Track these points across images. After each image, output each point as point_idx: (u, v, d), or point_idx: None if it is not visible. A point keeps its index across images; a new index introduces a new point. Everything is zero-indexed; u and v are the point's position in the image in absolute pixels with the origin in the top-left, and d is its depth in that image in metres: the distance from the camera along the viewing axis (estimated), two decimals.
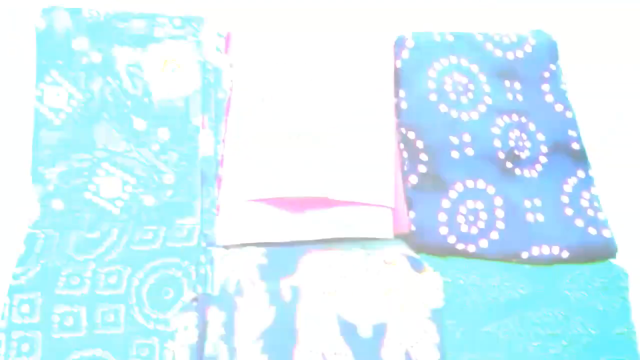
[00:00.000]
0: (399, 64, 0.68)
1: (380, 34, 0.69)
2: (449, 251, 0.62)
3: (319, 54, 0.67)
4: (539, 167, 0.66)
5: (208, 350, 0.53)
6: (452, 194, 0.62)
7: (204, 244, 0.60)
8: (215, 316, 0.54)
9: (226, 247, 0.60)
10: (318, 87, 0.65)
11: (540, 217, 0.64)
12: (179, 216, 0.62)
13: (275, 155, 0.62)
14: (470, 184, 0.63)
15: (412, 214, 0.62)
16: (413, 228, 0.62)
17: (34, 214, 0.60)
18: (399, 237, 0.65)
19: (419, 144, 0.64)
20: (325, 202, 0.60)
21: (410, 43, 0.69)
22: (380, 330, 0.55)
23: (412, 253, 0.62)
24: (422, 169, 0.63)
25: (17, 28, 0.71)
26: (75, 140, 0.62)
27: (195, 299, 0.56)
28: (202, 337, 0.54)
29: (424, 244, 0.62)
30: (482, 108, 0.66)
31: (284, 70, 0.66)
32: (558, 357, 0.58)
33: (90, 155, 0.62)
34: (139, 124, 0.63)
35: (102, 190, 0.62)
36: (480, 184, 0.63)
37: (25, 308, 0.54)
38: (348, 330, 0.55)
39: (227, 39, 0.69)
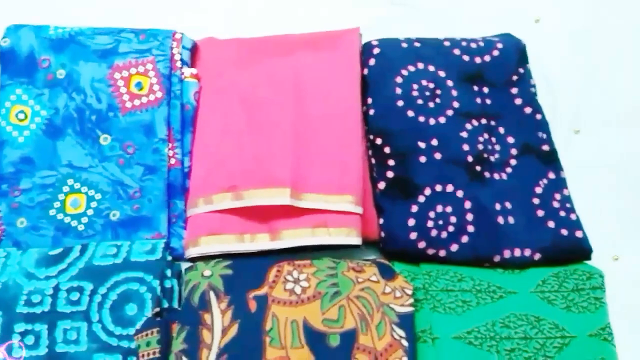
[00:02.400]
0: (366, 71, 0.68)
1: (347, 37, 0.69)
2: (419, 256, 0.61)
3: (287, 55, 0.67)
4: (508, 170, 0.66)
5: None
6: (421, 199, 0.62)
7: (170, 258, 0.60)
8: (179, 331, 0.53)
9: (192, 260, 0.60)
10: (288, 88, 0.64)
11: (511, 220, 0.63)
12: (145, 230, 0.61)
13: (243, 151, 0.61)
14: (438, 188, 0.62)
15: (381, 220, 0.62)
16: (382, 234, 0.61)
17: None
18: (370, 245, 0.65)
19: (387, 150, 0.63)
20: (291, 211, 0.60)
21: (376, 50, 0.69)
22: (349, 338, 0.54)
23: (382, 260, 0.62)
24: (390, 174, 0.62)
25: None
26: (39, 157, 0.62)
27: (158, 314, 0.55)
28: (165, 352, 0.53)
29: (394, 250, 0.62)
30: (450, 112, 0.66)
31: (252, 72, 0.66)
32: None
33: (54, 172, 0.62)
34: (104, 139, 0.63)
35: (67, 206, 0.61)
36: (449, 188, 0.62)
37: None
38: (316, 340, 0.54)
39: (193, 50, 0.69)
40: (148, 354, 0.52)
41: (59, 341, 0.54)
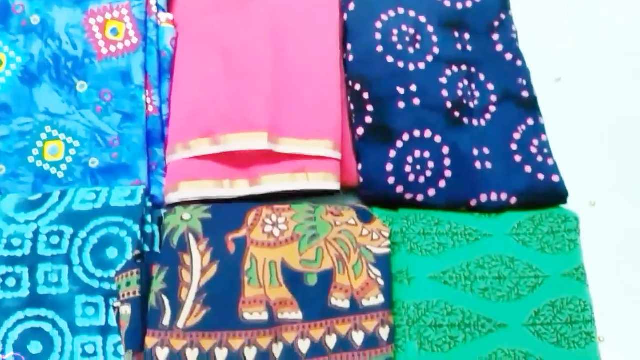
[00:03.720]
0: (345, 17, 0.67)
1: None
2: (397, 201, 0.62)
3: (265, 0, 0.65)
4: (488, 117, 0.66)
5: (151, 303, 0.53)
6: (399, 144, 0.62)
7: (150, 204, 0.60)
8: (158, 271, 0.54)
9: (172, 206, 0.60)
10: (266, 33, 0.63)
11: (489, 165, 0.63)
12: (125, 178, 0.61)
13: (220, 97, 0.61)
14: (417, 133, 0.62)
15: (359, 166, 0.62)
16: (361, 179, 0.62)
17: None
18: (350, 192, 0.65)
19: (365, 95, 0.63)
20: (270, 157, 0.60)
21: None
22: (326, 278, 0.55)
23: (360, 205, 0.62)
24: (368, 119, 0.62)
25: None
26: (16, 104, 0.61)
27: (139, 256, 0.55)
28: (145, 292, 0.54)
29: (373, 195, 0.62)
30: (430, 58, 0.66)
31: (229, 18, 0.65)
32: (504, 299, 0.59)
33: (32, 119, 0.61)
34: (81, 85, 0.62)
35: (46, 153, 0.61)
36: (427, 134, 0.63)
37: None
38: (294, 280, 0.55)
39: None
40: (128, 294, 0.53)
41: (40, 283, 0.55)
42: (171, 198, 0.60)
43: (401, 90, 0.63)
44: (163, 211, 0.61)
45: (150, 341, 0.52)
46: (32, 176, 0.60)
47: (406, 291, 0.59)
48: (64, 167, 0.61)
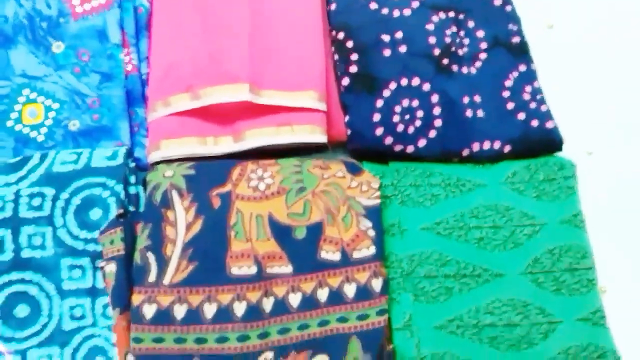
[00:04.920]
0: None
1: None
2: (387, 154, 0.60)
3: None
4: (478, 64, 0.64)
5: (136, 261, 0.52)
6: (386, 93, 0.60)
7: (133, 165, 0.59)
8: (142, 228, 0.53)
9: (154, 164, 0.59)
10: None
11: (480, 113, 0.62)
12: (107, 140, 0.60)
13: (199, 51, 0.60)
14: (404, 82, 0.61)
15: (346, 118, 0.60)
16: (348, 132, 0.60)
17: None
18: (338, 148, 0.63)
19: (349, 44, 0.61)
20: (254, 112, 0.58)
21: None
22: (315, 231, 0.54)
23: (349, 159, 0.61)
24: (353, 69, 0.61)
25: None
26: None
27: (122, 215, 0.54)
28: (130, 250, 0.52)
29: (361, 148, 0.60)
30: (416, 4, 0.64)
31: None
32: (500, 248, 0.57)
33: (9, 82, 0.60)
34: (57, 46, 0.61)
35: (25, 117, 0.60)
36: (415, 82, 0.61)
37: None
38: (282, 233, 0.54)
39: None
40: (112, 252, 0.52)
41: (23, 246, 0.53)
42: (154, 157, 0.58)
43: (386, 38, 0.61)
44: (146, 172, 0.59)
45: (136, 298, 0.51)
46: (12, 141, 0.59)
47: (399, 244, 0.57)
48: (44, 130, 0.60)
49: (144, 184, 0.58)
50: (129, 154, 0.59)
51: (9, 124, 0.59)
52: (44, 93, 0.60)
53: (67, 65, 0.60)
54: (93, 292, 0.54)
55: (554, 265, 0.57)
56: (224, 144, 0.58)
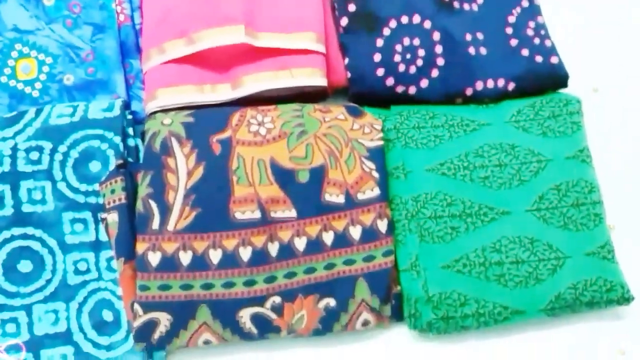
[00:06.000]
0: None
1: None
2: (388, 96, 0.59)
3: None
4: (480, 0, 0.62)
5: (138, 209, 0.51)
6: (386, 32, 0.59)
7: (130, 117, 0.58)
8: (143, 177, 0.52)
9: (151, 115, 0.58)
10: None
11: (483, 50, 0.60)
12: (102, 93, 0.59)
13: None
14: (404, 19, 0.59)
15: (346, 60, 0.59)
16: (349, 75, 0.59)
17: None
18: (339, 95, 0.62)
19: None
20: (251, 57, 0.57)
21: None
22: (318, 174, 0.53)
23: (350, 103, 0.60)
24: (351, 7, 0.59)
25: None
26: None
27: (122, 165, 0.53)
28: (131, 198, 0.52)
29: (362, 92, 0.59)
30: None
31: None
32: (506, 186, 0.56)
33: (0, 37, 0.59)
34: None
35: (19, 72, 0.59)
36: (416, 19, 0.59)
37: None
38: (284, 177, 0.53)
39: None
40: (114, 201, 0.51)
41: (24, 201, 0.53)
42: (150, 107, 0.57)
43: None
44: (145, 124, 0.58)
45: (141, 246, 0.50)
46: (7, 97, 0.58)
47: (403, 185, 0.56)
48: (38, 85, 0.58)
49: (142, 136, 0.58)
50: (126, 106, 0.58)
51: (3, 79, 0.58)
52: (36, 47, 0.59)
53: (58, 18, 0.59)
54: (96, 246, 0.54)
55: (561, 200, 0.56)
56: (222, 91, 0.57)
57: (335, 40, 0.61)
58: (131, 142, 0.57)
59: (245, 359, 0.53)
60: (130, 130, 0.57)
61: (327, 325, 0.52)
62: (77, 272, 0.53)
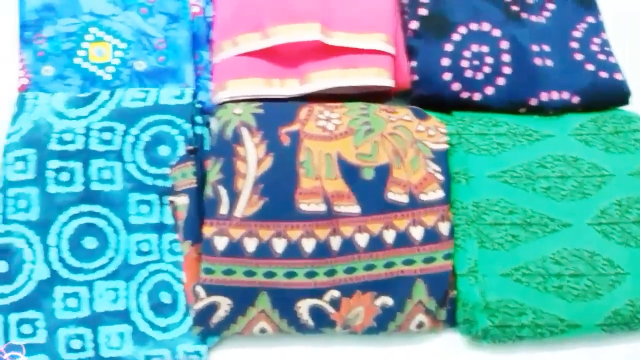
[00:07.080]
0: None
1: None
2: (452, 101, 0.60)
3: None
4: (546, 13, 0.63)
5: (207, 194, 0.52)
6: (456, 37, 0.59)
7: (199, 105, 0.59)
8: (213, 163, 0.53)
9: (220, 105, 0.59)
10: None
11: (549, 62, 0.60)
12: (171, 82, 0.60)
13: None
14: (474, 26, 0.60)
15: (413, 63, 0.60)
16: (415, 77, 0.59)
17: (24, 80, 0.58)
18: (401, 97, 0.62)
19: None
20: (321, 54, 0.58)
21: None
22: (383, 172, 0.54)
23: (414, 107, 0.60)
24: (422, 11, 0.60)
25: None
26: (60, 4, 0.60)
27: (192, 151, 0.54)
28: (201, 182, 0.53)
29: (427, 95, 0.60)
30: None
31: None
32: (568, 198, 0.56)
33: (77, 19, 0.60)
34: None
35: (92, 55, 0.60)
36: (485, 27, 0.60)
37: (20, 165, 0.53)
38: (350, 173, 0.53)
39: None
40: (184, 185, 0.52)
41: (93, 179, 0.54)
42: (220, 97, 0.58)
43: None
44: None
45: (208, 230, 0.51)
46: (79, 78, 0.59)
47: (464, 190, 0.56)
48: (110, 69, 0.60)
49: (208, 126, 0.58)
50: (194, 95, 0.59)
51: (77, 61, 0.60)
52: (111, 32, 0.60)
53: (134, 5, 0.61)
54: (160, 228, 0.54)
55: (622, 216, 0.56)
56: (290, 86, 0.58)
57: (401, 45, 0.62)
58: (198, 130, 0.57)
59: (290, 353, 0.53)
60: (199, 119, 0.58)
61: (382, 324, 0.52)
62: (140, 252, 0.54)
